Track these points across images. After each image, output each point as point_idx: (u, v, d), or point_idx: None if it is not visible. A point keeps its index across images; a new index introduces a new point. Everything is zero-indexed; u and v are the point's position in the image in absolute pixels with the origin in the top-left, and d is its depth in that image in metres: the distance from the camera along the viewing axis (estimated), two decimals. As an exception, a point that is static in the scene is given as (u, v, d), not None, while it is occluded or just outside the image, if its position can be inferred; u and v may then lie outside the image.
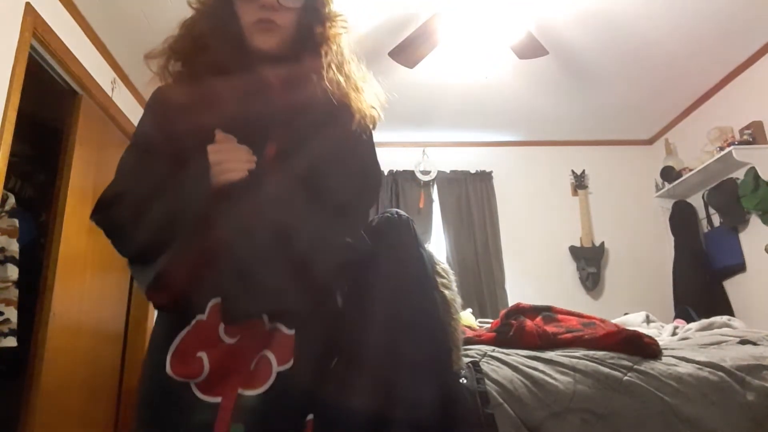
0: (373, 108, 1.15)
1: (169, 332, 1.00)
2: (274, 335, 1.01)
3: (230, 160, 0.99)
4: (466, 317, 2.28)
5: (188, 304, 1.00)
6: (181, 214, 0.96)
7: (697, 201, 4.01)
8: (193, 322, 0.99)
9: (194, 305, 1.00)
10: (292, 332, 1.01)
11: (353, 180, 1.10)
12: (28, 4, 2.39)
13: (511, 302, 3.70)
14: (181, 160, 1.01)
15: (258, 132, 1.05)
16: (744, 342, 1.90)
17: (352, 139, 1.11)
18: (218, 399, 0.94)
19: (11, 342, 2.40)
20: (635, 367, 1.59)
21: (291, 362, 1.00)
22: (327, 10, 1.15)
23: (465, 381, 1.44)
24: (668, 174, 4.03)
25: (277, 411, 0.96)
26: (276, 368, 0.99)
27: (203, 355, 0.96)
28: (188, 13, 1.14)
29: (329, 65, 1.11)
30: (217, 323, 0.98)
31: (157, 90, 1.14)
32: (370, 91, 1.16)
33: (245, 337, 0.99)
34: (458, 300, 1.54)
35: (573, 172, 4.53)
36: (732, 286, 3.65)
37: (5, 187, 2.36)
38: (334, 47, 1.14)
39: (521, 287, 4.14)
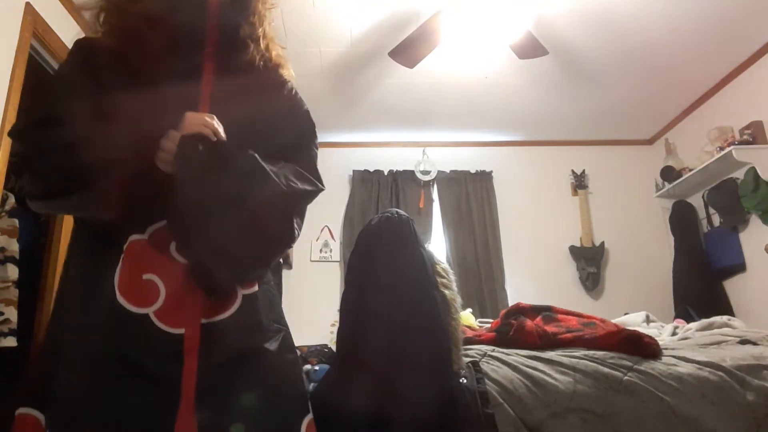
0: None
1: (96, 254, 0.93)
2: None
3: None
4: (466, 317, 2.28)
5: (122, 221, 0.93)
6: (118, 162, 0.89)
7: (697, 201, 4.01)
8: (127, 242, 0.92)
9: (126, 226, 0.93)
10: None
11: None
12: (28, 4, 2.39)
13: (511, 302, 3.71)
14: (104, 109, 0.94)
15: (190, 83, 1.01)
16: (744, 342, 1.90)
17: (283, 95, 1.14)
18: (181, 330, 0.88)
19: (11, 342, 2.40)
20: (635, 366, 1.59)
21: (256, 285, 0.98)
22: None
23: (465, 381, 1.44)
24: (668, 174, 4.03)
25: (244, 333, 0.93)
26: (241, 291, 0.96)
27: (153, 278, 0.90)
28: None
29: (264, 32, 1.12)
30: (164, 243, 0.91)
31: (83, 39, 1.08)
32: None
33: None
34: (458, 300, 1.54)
35: (573, 172, 4.53)
36: (732, 286, 3.65)
37: (5, 187, 2.36)
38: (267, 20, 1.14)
39: (521, 287, 4.14)
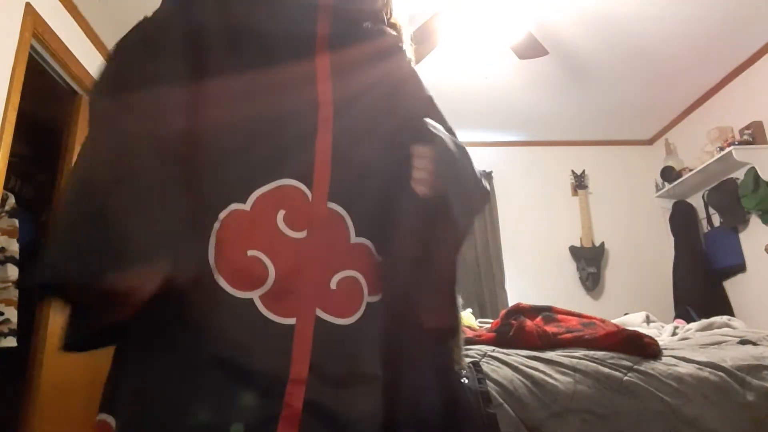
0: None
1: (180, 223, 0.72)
2: (363, 253, 0.80)
3: None
4: (466, 317, 2.29)
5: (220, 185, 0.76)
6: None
7: (697, 201, 4.01)
8: (226, 212, 0.75)
9: (224, 193, 0.76)
10: (379, 259, 0.82)
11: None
12: (28, 4, 2.39)
13: (511, 302, 3.70)
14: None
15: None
16: (744, 342, 1.90)
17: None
18: (292, 320, 0.71)
19: (11, 342, 2.40)
20: (635, 367, 1.59)
21: (380, 295, 0.82)
22: None
23: (466, 381, 1.44)
24: (668, 174, 4.03)
25: (363, 347, 0.76)
26: (367, 297, 0.79)
27: (260, 254, 0.73)
28: None
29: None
30: (271, 213, 0.75)
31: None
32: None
33: (315, 233, 0.76)
34: (458, 300, 1.54)
35: (573, 172, 4.53)
36: (732, 286, 3.65)
37: (5, 187, 2.36)
38: None
39: (521, 287, 4.14)
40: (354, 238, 0.80)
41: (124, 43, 0.85)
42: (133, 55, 0.83)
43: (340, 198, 0.79)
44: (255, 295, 0.71)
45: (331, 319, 0.74)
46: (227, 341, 0.70)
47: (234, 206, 0.75)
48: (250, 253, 0.73)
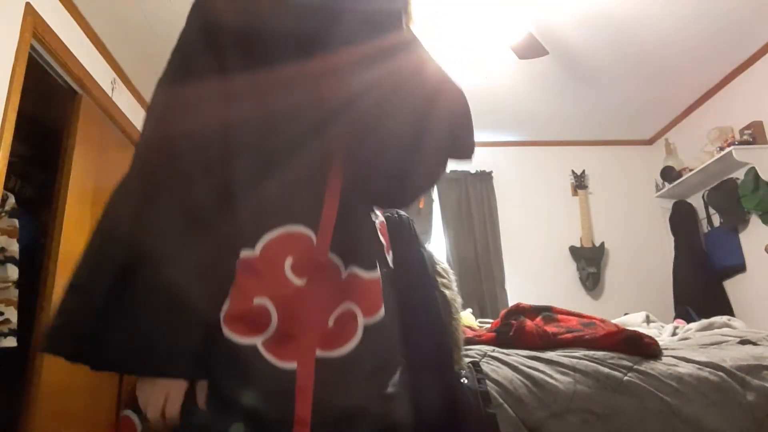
0: None
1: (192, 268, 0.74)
2: (354, 283, 0.81)
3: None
4: (466, 317, 2.28)
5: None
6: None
7: (697, 201, 4.01)
8: (238, 260, 0.76)
9: (239, 234, 0.77)
10: (375, 275, 0.82)
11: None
12: (28, 4, 2.39)
13: (511, 302, 3.70)
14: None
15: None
16: (744, 342, 1.90)
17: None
18: (293, 365, 0.72)
19: (11, 342, 2.40)
20: (635, 367, 1.59)
21: (381, 311, 0.81)
22: None
23: (466, 381, 1.44)
24: (668, 174, 4.03)
25: (362, 375, 0.77)
26: (362, 321, 0.79)
27: (266, 301, 0.74)
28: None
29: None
30: (280, 259, 0.75)
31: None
32: None
33: (315, 279, 0.77)
34: (458, 300, 1.54)
35: (573, 172, 4.53)
36: (732, 286, 3.65)
37: (5, 187, 2.36)
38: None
39: (521, 287, 4.14)
40: (344, 273, 0.81)
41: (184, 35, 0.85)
42: (190, 47, 0.83)
43: (338, 249, 0.80)
44: (258, 341, 0.73)
45: (329, 354, 0.75)
46: (232, 386, 0.72)
47: (244, 253, 0.76)
48: (256, 300, 0.74)
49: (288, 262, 0.75)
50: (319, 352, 0.75)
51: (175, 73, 0.81)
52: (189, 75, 0.79)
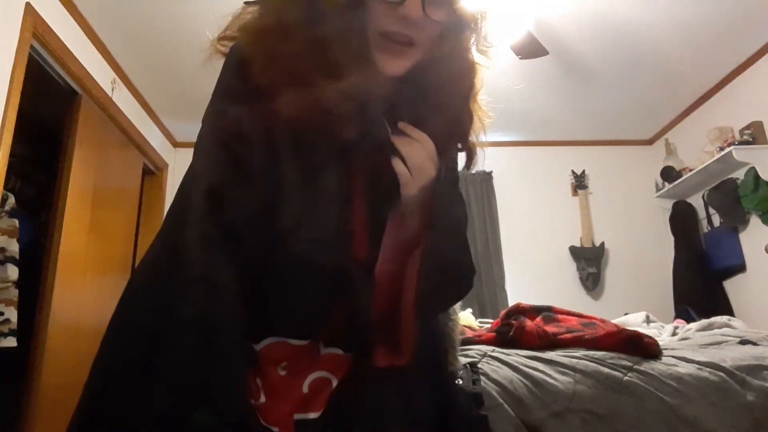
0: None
1: None
2: (329, 357, 0.87)
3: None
4: (466, 317, 2.28)
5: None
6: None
7: (697, 201, 4.02)
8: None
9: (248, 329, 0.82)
10: (347, 354, 0.88)
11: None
12: (28, 4, 2.39)
13: (511, 302, 3.70)
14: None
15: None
16: (744, 342, 1.90)
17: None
18: (275, 430, 0.80)
19: (11, 342, 2.41)
20: (635, 367, 1.59)
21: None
22: (478, 30, 0.89)
23: (461, 382, 1.44)
24: (668, 174, 4.04)
25: (340, 427, 0.83)
26: (335, 385, 0.86)
27: (258, 382, 0.83)
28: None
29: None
30: (276, 362, 0.84)
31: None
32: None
33: (293, 362, 0.85)
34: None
35: (573, 172, 4.53)
36: (732, 286, 3.65)
37: (5, 187, 2.36)
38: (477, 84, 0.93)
39: (521, 287, 4.14)
40: (323, 350, 0.86)
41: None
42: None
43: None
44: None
45: (305, 416, 0.82)
46: None
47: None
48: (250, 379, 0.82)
49: (282, 365, 0.83)
50: (298, 416, 0.82)
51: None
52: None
